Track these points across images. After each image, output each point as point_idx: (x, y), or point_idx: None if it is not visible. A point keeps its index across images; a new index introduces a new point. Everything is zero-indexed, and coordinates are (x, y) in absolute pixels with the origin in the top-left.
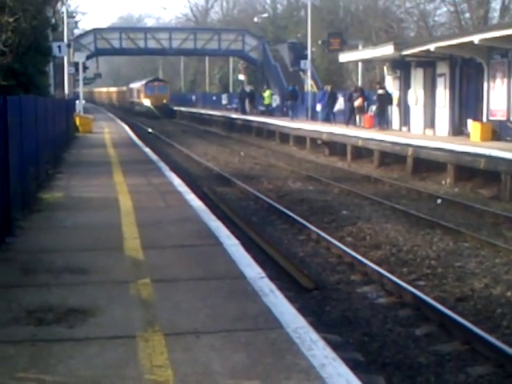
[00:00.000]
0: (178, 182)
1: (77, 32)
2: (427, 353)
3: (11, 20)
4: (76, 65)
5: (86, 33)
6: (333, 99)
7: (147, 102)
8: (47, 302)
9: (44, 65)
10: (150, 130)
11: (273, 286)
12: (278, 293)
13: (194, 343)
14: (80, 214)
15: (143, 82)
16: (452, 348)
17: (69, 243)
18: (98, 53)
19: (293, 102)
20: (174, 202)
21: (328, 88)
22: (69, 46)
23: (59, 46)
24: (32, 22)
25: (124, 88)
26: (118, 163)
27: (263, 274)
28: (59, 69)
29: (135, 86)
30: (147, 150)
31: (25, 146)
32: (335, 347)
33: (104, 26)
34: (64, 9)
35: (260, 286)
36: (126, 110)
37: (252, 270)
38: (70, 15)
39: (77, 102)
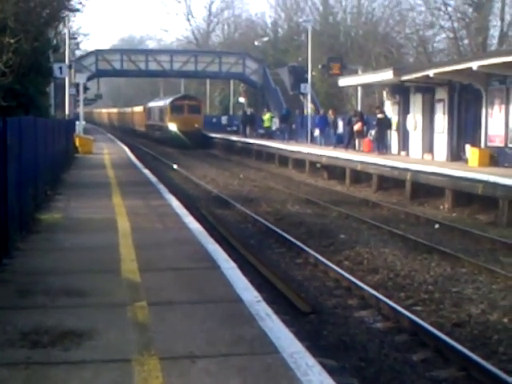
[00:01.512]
0: (176, 204)
1: (78, 53)
2: (424, 379)
3: (12, 41)
4: (77, 86)
5: (88, 54)
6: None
7: (173, 127)
8: (43, 325)
9: (45, 86)
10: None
11: (269, 310)
12: (274, 317)
13: (189, 368)
14: (78, 236)
15: (168, 99)
16: (449, 374)
17: (66, 265)
18: (99, 74)
19: (286, 124)
20: (172, 225)
21: (330, 113)
22: (70, 67)
23: (60, 67)
24: (33, 44)
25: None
26: (117, 184)
27: (260, 298)
28: (60, 89)
29: (156, 105)
30: (146, 171)
31: (24, 167)
32: (331, 372)
33: (105, 47)
34: (66, 30)
35: (257, 310)
36: (126, 132)
37: (249, 293)
38: (72, 36)
39: (77, 122)
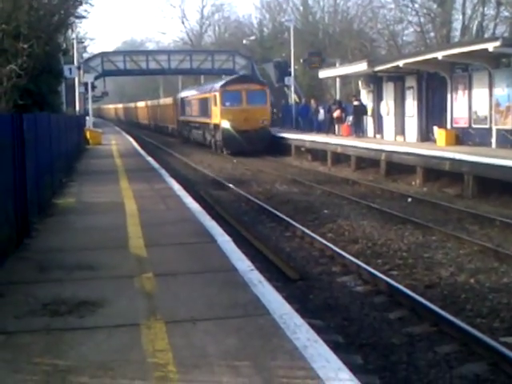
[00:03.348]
0: (177, 187)
1: (86, 55)
2: (400, 334)
3: (26, 46)
4: (85, 85)
5: (94, 56)
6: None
7: (226, 124)
8: (60, 296)
9: (56, 85)
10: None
11: (261, 278)
12: (266, 283)
13: (191, 329)
14: (90, 217)
15: (216, 84)
16: (422, 330)
17: (79, 243)
18: (104, 74)
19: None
20: (174, 205)
21: (312, 102)
22: (79, 68)
23: (70, 69)
24: (45, 48)
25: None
26: (124, 171)
27: (253, 267)
28: (70, 88)
29: (195, 94)
30: (149, 158)
31: (40, 158)
32: (318, 331)
33: (110, 49)
34: (74, 35)
35: (250, 278)
36: (131, 124)
37: (243, 263)
38: (80, 41)
39: (87, 117)
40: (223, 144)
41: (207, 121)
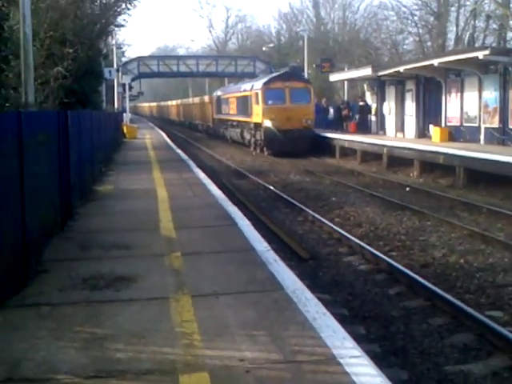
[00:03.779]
0: (202, 176)
1: (124, 59)
2: (398, 308)
3: (71, 51)
4: (123, 85)
5: (131, 60)
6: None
7: (268, 123)
8: (99, 272)
9: (97, 85)
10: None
11: (277, 257)
12: (280, 262)
13: (214, 302)
14: (126, 202)
15: (259, 81)
16: (417, 304)
17: (116, 225)
18: (140, 76)
19: None
20: (200, 192)
21: (323, 102)
22: (117, 70)
23: (110, 71)
24: (88, 52)
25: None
26: (156, 162)
27: (269, 248)
28: (110, 88)
29: (234, 91)
30: (179, 151)
31: (82, 150)
32: (325, 304)
33: (145, 54)
34: (113, 41)
35: (266, 257)
36: (163, 121)
37: (260, 244)
38: (118, 46)
39: (124, 114)
40: (264, 144)
41: (247, 119)
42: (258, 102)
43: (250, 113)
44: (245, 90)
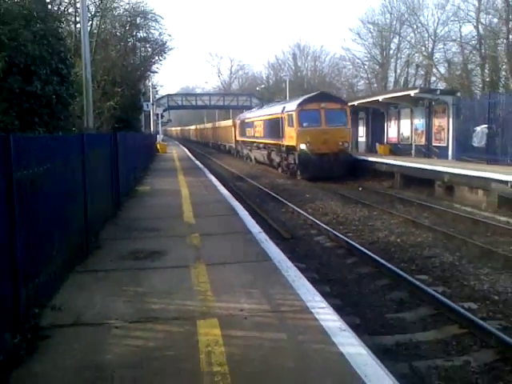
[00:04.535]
0: (214, 179)
1: (157, 96)
2: (353, 273)
3: (119, 90)
4: (157, 115)
5: (162, 97)
6: None
7: (303, 146)
8: (138, 247)
9: (138, 115)
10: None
11: (267, 237)
12: (269, 241)
13: (222, 269)
14: (158, 198)
15: (291, 102)
16: (367, 270)
17: (150, 214)
18: (169, 108)
19: None
20: (212, 191)
21: None
22: (152, 104)
23: (147, 104)
24: (131, 91)
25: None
26: (181, 169)
27: (261, 230)
28: (147, 117)
29: (258, 115)
30: (197, 162)
31: (128, 160)
32: (301, 270)
33: (173, 92)
34: (150, 83)
35: (260, 238)
36: (186, 141)
37: (255, 228)
38: (153, 87)
39: (157, 135)
40: (298, 168)
41: (277, 142)
42: (291, 124)
43: (282, 135)
44: (273, 113)
